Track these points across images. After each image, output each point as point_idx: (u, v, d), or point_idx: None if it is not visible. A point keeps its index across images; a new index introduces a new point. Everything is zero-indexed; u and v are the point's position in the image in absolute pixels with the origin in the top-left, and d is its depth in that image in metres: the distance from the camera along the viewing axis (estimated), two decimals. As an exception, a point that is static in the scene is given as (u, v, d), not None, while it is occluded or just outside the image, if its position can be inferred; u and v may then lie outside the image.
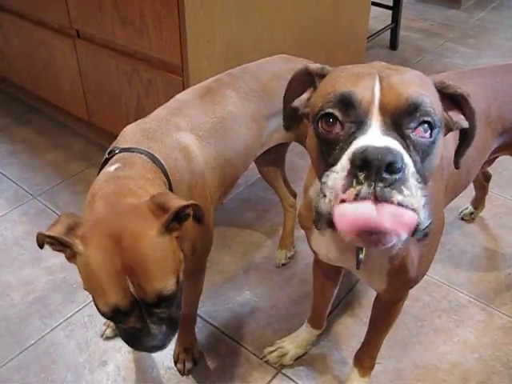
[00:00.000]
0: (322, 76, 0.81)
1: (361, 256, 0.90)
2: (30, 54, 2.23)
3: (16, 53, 2.33)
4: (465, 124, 0.81)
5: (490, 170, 1.69)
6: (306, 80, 0.84)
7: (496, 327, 1.45)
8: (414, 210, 0.66)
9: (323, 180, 0.69)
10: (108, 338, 1.43)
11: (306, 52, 1.95)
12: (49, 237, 0.83)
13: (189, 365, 1.34)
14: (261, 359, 1.37)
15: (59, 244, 0.85)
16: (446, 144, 0.82)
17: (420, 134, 0.70)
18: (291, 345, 1.37)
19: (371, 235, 0.65)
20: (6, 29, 2.30)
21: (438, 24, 3.47)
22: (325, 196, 0.68)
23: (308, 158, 0.81)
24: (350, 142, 0.68)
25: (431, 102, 0.71)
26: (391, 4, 3.00)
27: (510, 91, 1.17)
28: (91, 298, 0.86)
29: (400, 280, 0.99)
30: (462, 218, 1.83)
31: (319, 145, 0.74)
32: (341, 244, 0.95)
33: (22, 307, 1.53)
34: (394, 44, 3.08)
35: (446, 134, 0.78)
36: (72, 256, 0.85)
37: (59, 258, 0.94)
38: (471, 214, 1.82)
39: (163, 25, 1.57)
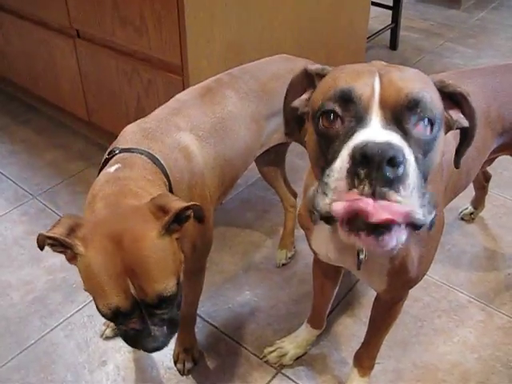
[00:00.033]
0: (322, 76, 0.81)
1: (361, 256, 0.90)
2: (30, 53, 2.23)
3: (16, 52, 2.33)
4: (465, 123, 0.81)
5: (489, 170, 1.69)
6: (305, 82, 0.84)
7: (496, 327, 1.45)
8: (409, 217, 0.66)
9: (324, 179, 0.69)
10: (108, 338, 1.43)
11: (305, 52, 1.95)
12: (50, 238, 0.83)
13: (188, 365, 1.34)
14: (260, 359, 1.37)
15: (60, 245, 0.85)
16: (447, 143, 0.82)
17: (420, 130, 0.70)
18: (291, 345, 1.37)
19: (369, 230, 0.65)
20: (5, 28, 2.30)
21: (437, 24, 3.47)
22: (325, 194, 0.68)
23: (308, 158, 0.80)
24: (350, 137, 0.68)
25: (431, 97, 0.72)
26: (391, 4, 3.00)
27: (509, 91, 1.17)
28: (91, 298, 0.86)
29: (400, 280, 0.98)
30: (462, 218, 1.83)
31: (319, 141, 0.73)
32: (341, 244, 0.95)
33: (22, 307, 1.53)
34: (393, 44, 3.08)
35: (446, 133, 0.78)
36: (73, 257, 0.85)
37: (59, 257, 0.94)
38: (471, 214, 1.82)
39: (163, 25, 1.57)
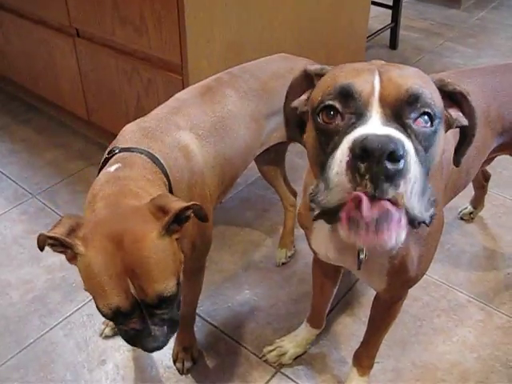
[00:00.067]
0: (322, 76, 0.81)
1: (361, 256, 0.90)
2: (30, 53, 2.23)
3: (16, 52, 2.33)
4: (464, 122, 0.81)
5: (489, 169, 1.69)
6: (305, 83, 0.84)
7: (495, 327, 1.45)
8: (409, 211, 0.66)
9: (324, 174, 0.69)
10: (107, 337, 1.43)
11: (305, 52, 1.95)
12: (50, 238, 0.83)
13: (188, 364, 1.34)
14: (260, 358, 1.37)
15: (60, 245, 0.85)
16: (446, 142, 0.82)
17: (421, 125, 0.70)
18: (290, 344, 1.37)
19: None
20: (5, 28, 2.30)
21: (437, 23, 3.47)
22: (327, 190, 0.68)
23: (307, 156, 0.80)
24: (350, 132, 0.68)
25: (431, 93, 0.72)
26: (391, 3, 3.00)
27: (509, 91, 1.17)
28: (90, 298, 0.86)
29: (400, 279, 0.99)
30: (462, 218, 1.83)
31: (318, 138, 0.73)
32: (340, 243, 0.95)
33: (21, 306, 1.53)
34: (393, 43, 3.08)
35: (446, 131, 0.78)
36: (73, 257, 0.85)
37: (58, 257, 0.94)
38: (470, 213, 1.82)
39: (163, 24, 1.57)
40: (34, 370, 1.36)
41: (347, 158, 0.65)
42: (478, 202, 1.80)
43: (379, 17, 3.32)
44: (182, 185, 1.07)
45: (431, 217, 0.69)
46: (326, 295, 1.29)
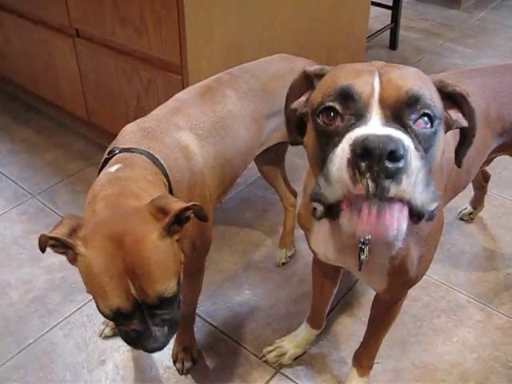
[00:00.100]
0: (321, 76, 0.81)
1: (362, 257, 0.90)
2: (30, 53, 2.23)
3: (16, 52, 2.33)
4: (464, 123, 0.81)
5: (489, 169, 1.69)
6: (304, 84, 0.84)
7: (495, 327, 1.45)
8: (411, 203, 0.66)
9: (324, 170, 0.69)
10: (107, 337, 1.43)
11: (305, 52, 1.95)
12: (51, 238, 0.83)
13: (188, 364, 1.34)
14: (260, 359, 1.37)
15: (61, 246, 0.85)
16: (446, 143, 0.82)
17: (421, 126, 0.70)
18: (290, 344, 1.37)
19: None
20: (5, 28, 2.30)
21: (437, 24, 3.47)
22: (328, 185, 0.68)
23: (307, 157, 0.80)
24: (350, 131, 0.68)
25: (431, 95, 0.72)
26: (391, 4, 3.00)
27: (509, 91, 1.17)
28: (90, 298, 0.86)
29: (400, 280, 0.98)
30: (461, 218, 1.83)
31: (318, 139, 0.73)
32: (340, 244, 0.95)
33: (21, 306, 1.53)
34: (393, 44, 3.08)
35: (445, 132, 0.78)
36: (74, 258, 0.85)
37: (58, 257, 0.94)
38: (470, 214, 1.82)
39: (163, 24, 1.57)
40: (34, 370, 1.36)
41: (348, 156, 0.65)
42: (477, 202, 1.80)
43: (379, 17, 3.32)
44: (182, 185, 1.07)
45: (433, 212, 0.69)
46: (326, 295, 1.29)
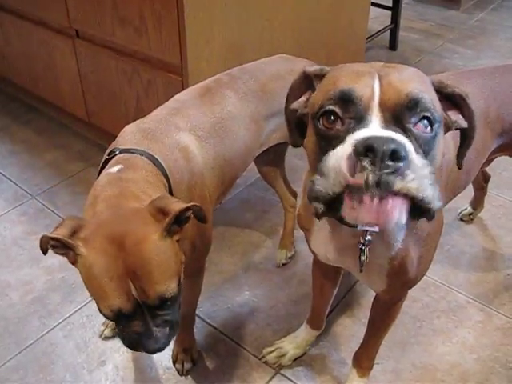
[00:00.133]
0: (321, 77, 0.81)
1: (363, 258, 0.90)
2: (30, 54, 2.23)
3: (16, 53, 2.33)
4: (463, 124, 0.81)
5: (489, 170, 1.69)
6: (304, 85, 0.84)
7: (495, 328, 1.45)
8: (416, 196, 0.66)
9: (322, 162, 0.68)
10: (106, 338, 1.43)
11: (305, 52, 1.95)
12: (52, 239, 0.83)
13: (187, 365, 1.34)
14: (260, 359, 1.37)
15: (62, 247, 0.85)
16: (446, 143, 0.82)
17: (421, 129, 0.70)
18: (290, 345, 1.37)
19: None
20: (5, 29, 2.30)
21: (437, 25, 3.47)
22: (326, 177, 0.68)
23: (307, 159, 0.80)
24: (351, 134, 0.68)
25: (431, 98, 0.72)
26: (391, 5, 3.00)
27: (509, 92, 1.17)
28: (90, 299, 0.86)
29: (399, 280, 0.98)
30: (461, 219, 1.83)
31: (319, 142, 0.73)
32: (340, 245, 0.95)
33: (21, 307, 1.53)
34: (393, 44, 3.08)
35: (445, 133, 0.78)
36: (75, 259, 0.85)
37: (58, 258, 0.94)
38: (470, 214, 1.82)
39: (163, 25, 1.57)
40: (34, 371, 1.36)
41: (349, 151, 0.65)
42: (477, 203, 1.80)
43: (379, 18, 3.32)
44: (182, 186, 1.07)
45: (433, 212, 0.69)
46: (326, 296, 1.29)
